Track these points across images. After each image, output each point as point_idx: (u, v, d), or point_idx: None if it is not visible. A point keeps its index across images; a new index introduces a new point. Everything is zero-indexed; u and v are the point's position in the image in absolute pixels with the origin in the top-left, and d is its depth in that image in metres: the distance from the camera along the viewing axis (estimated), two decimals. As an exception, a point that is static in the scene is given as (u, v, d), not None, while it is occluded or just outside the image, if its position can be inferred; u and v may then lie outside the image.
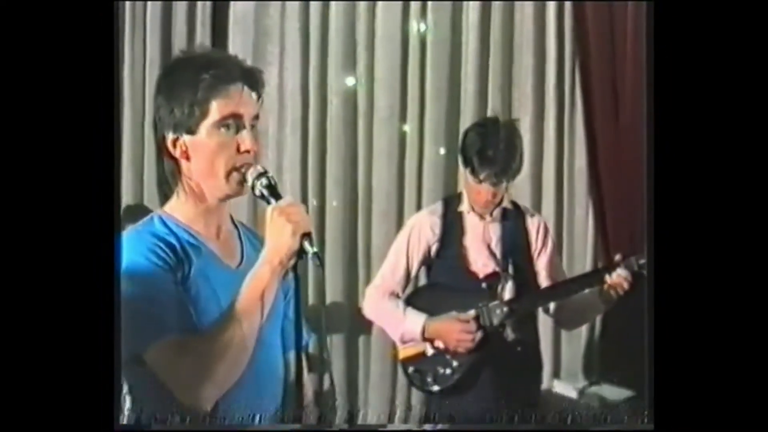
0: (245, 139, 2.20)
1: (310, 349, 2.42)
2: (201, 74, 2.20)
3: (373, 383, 5.04)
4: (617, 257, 3.69)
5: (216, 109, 2.19)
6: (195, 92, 2.19)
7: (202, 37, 5.28)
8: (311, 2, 5.13)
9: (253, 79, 2.26)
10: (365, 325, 4.90)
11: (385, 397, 4.99)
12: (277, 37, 5.19)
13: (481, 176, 3.66)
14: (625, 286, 3.57)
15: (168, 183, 2.27)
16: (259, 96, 2.26)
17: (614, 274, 3.60)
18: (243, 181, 2.20)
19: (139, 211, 5.13)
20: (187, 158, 2.23)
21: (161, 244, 2.19)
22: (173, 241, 2.21)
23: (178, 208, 2.27)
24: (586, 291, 3.75)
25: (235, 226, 2.37)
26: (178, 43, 5.33)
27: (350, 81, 5.13)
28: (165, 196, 2.30)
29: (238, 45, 5.16)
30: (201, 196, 2.26)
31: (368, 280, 4.89)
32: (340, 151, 5.10)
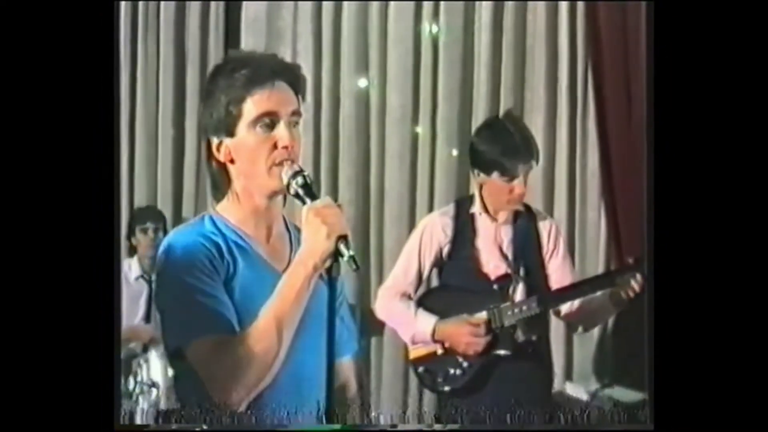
0: (282, 135, 2.19)
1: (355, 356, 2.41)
2: (234, 75, 2.20)
3: (385, 384, 5.04)
4: (630, 260, 3.68)
5: (250, 108, 2.19)
6: (229, 94, 2.20)
7: (215, 38, 5.31)
8: (324, 3, 5.14)
9: (290, 75, 2.25)
10: (377, 327, 4.90)
11: (396, 398, 4.99)
12: (290, 39, 5.21)
13: (517, 171, 3.66)
14: (637, 289, 3.56)
15: (220, 186, 2.27)
16: (297, 92, 2.25)
17: (626, 277, 3.59)
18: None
19: (150, 212, 5.16)
20: (232, 161, 2.23)
21: (207, 243, 2.19)
22: (220, 241, 2.21)
23: (229, 209, 2.27)
24: (598, 293, 3.75)
25: (288, 230, 2.34)
26: (191, 45, 5.36)
27: (362, 82, 5.13)
28: (217, 198, 2.30)
29: (250, 47, 5.16)
30: (250, 197, 2.25)
31: (380, 281, 4.89)
32: (352, 152, 5.11)
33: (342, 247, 2.07)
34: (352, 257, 2.07)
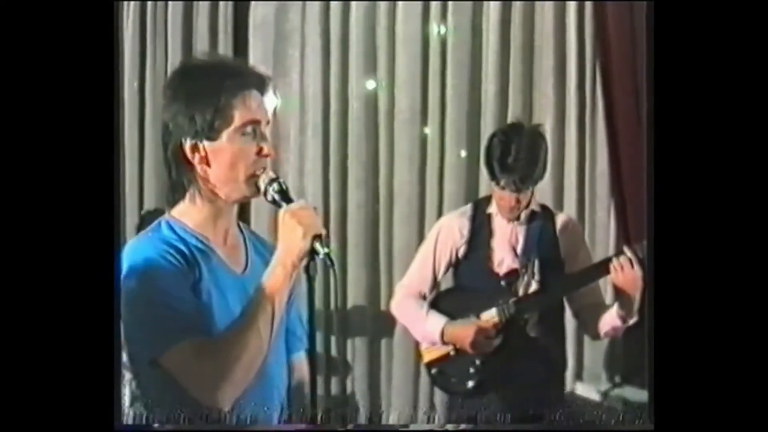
0: (265, 143, 2.24)
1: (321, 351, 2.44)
2: (223, 81, 2.22)
3: (396, 386, 5.05)
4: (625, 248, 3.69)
5: (238, 115, 2.21)
6: (218, 99, 2.20)
7: (224, 41, 5.31)
8: (331, 5, 5.14)
9: (266, 85, 2.29)
10: (387, 328, 4.91)
11: (407, 399, 4.99)
12: (298, 41, 5.21)
13: (501, 183, 3.66)
14: (624, 265, 3.55)
15: (182, 188, 2.27)
16: (269, 101, 2.29)
17: (621, 258, 3.58)
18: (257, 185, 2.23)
19: (159, 213, 5.15)
20: (207, 164, 2.24)
21: (171, 250, 2.21)
22: (182, 246, 2.23)
23: (188, 213, 2.28)
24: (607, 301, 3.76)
25: (241, 231, 2.38)
26: (200, 48, 5.36)
27: (371, 84, 5.14)
28: (175, 200, 2.30)
29: (258, 49, 5.19)
30: (212, 200, 2.27)
31: (390, 282, 4.91)
32: (361, 154, 5.11)
33: (317, 245, 2.13)
34: (327, 254, 2.13)
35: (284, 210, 2.17)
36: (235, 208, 2.33)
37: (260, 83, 2.27)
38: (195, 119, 2.21)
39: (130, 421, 2.37)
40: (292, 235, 2.14)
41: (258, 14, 5.26)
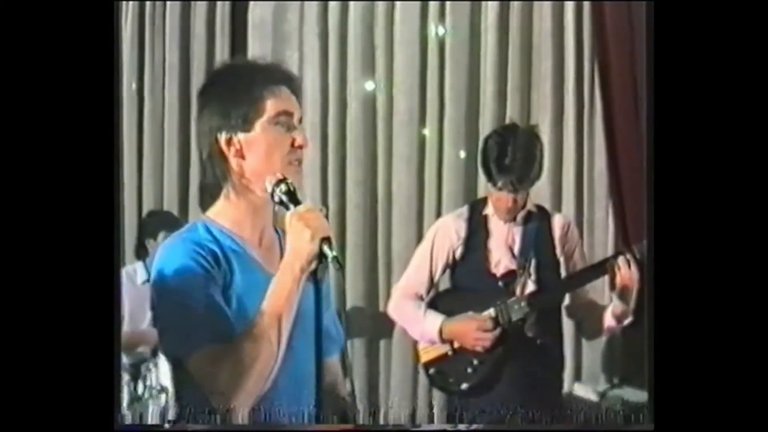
0: (299, 135, 2.25)
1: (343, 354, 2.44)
2: (254, 76, 2.25)
3: (395, 386, 5.05)
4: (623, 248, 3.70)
5: (271, 105, 2.23)
6: (250, 91, 2.23)
7: (222, 41, 5.32)
8: (330, 5, 5.14)
9: (295, 84, 2.31)
10: (386, 329, 4.90)
11: (406, 400, 4.99)
12: (296, 42, 5.22)
13: (498, 184, 3.67)
14: (623, 268, 3.56)
15: (218, 186, 2.28)
16: (299, 101, 2.31)
17: (618, 259, 3.59)
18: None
19: (162, 215, 5.16)
20: (242, 156, 2.25)
21: (203, 252, 2.20)
22: (215, 248, 2.22)
23: (223, 212, 2.29)
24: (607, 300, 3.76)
25: (277, 233, 2.37)
26: (197, 48, 5.37)
27: (369, 85, 5.14)
28: (211, 198, 2.31)
29: (257, 50, 5.19)
30: (248, 195, 2.27)
31: (389, 283, 4.91)
32: (359, 155, 5.11)
33: (326, 249, 2.11)
34: (335, 258, 2.11)
35: (291, 213, 2.15)
36: (271, 209, 2.31)
37: (290, 81, 2.30)
38: (229, 113, 2.23)
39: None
40: (300, 239, 2.12)
41: (256, 15, 5.27)
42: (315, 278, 2.14)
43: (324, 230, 2.13)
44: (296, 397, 2.23)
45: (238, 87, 2.25)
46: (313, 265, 2.13)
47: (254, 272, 2.25)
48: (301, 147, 2.25)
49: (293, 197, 2.19)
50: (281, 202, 2.19)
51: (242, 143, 2.24)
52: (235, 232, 2.27)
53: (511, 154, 3.64)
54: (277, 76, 2.28)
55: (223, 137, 2.24)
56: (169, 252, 2.23)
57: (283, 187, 2.19)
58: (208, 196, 2.32)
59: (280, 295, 2.15)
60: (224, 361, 2.12)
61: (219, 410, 2.13)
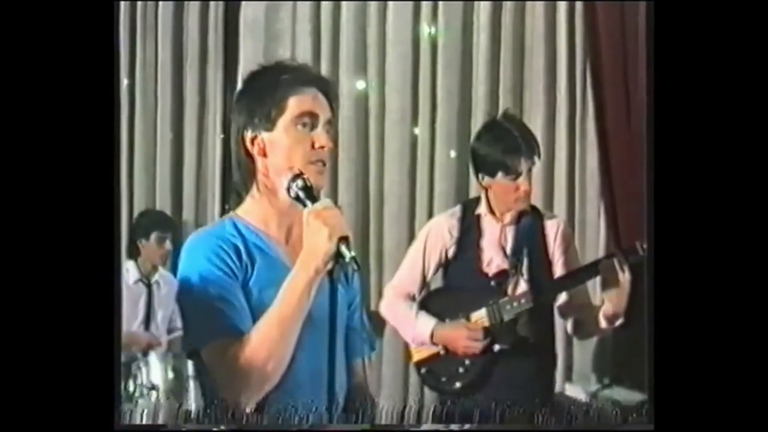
0: (320, 135, 2.25)
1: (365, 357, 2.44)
2: (280, 76, 2.27)
3: (385, 386, 5.04)
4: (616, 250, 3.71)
5: (293, 105, 2.25)
6: (274, 91, 2.25)
7: (214, 40, 5.31)
8: (322, 5, 5.14)
9: (325, 85, 2.32)
10: (377, 329, 4.89)
11: (397, 399, 4.98)
12: (288, 41, 5.21)
13: (520, 169, 3.66)
14: (618, 270, 3.56)
15: (245, 186, 2.30)
16: (331, 103, 2.31)
17: (611, 260, 3.60)
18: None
19: (164, 220, 5.14)
20: (264, 155, 2.27)
21: (225, 246, 2.23)
22: (239, 243, 2.25)
23: (251, 210, 2.31)
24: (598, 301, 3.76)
25: None
26: (190, 47, 5.36)
27: (361, 84, 5.14)
28: (238, 196, 2.33)
29: (249, 48, 5.18)
30: (275, 194, 2.28)
31: (380, 282, 4.91)
32: (351, 154, 5.11)
33: (343, 248, 2.10)
34: (353, 258, 2.09)
35: (309, 210, 2.15)
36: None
37: (323, 83, 2.31)
38: (254, 112, 2.26)
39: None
40: (317, 237, 2.11)
41: (248, 14, 5.26)
42: (331, 278, 2.13)
43: (342, 229, 2.12)
44: (310, 396, 2.23)
45: (265, 87, 2.27)
46: (330, 265, 2.12)
47: (278, 269, 2.24)
48: (323, 147, 2.24)
49: (310, 193, 2.18)
50: (298, 198, 2.19)
51: (265, 142, 2.26)
52: (261, 229, 2.29)
53: (513, 137, 3.66)
54: (305, 78, 2.29)
55: (248, 136, 2.27)
56: (192, 246, 2.26)
57: (299, 182, 2.19)
58: (236, 195, 2.34)
59: (291, 295, 2.15)
60: (234, 355, 2.13)
61: (229, 403, 2.14)
